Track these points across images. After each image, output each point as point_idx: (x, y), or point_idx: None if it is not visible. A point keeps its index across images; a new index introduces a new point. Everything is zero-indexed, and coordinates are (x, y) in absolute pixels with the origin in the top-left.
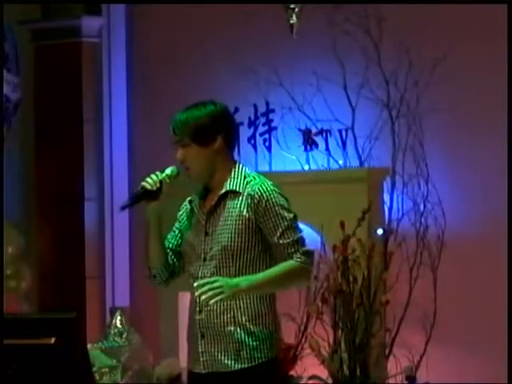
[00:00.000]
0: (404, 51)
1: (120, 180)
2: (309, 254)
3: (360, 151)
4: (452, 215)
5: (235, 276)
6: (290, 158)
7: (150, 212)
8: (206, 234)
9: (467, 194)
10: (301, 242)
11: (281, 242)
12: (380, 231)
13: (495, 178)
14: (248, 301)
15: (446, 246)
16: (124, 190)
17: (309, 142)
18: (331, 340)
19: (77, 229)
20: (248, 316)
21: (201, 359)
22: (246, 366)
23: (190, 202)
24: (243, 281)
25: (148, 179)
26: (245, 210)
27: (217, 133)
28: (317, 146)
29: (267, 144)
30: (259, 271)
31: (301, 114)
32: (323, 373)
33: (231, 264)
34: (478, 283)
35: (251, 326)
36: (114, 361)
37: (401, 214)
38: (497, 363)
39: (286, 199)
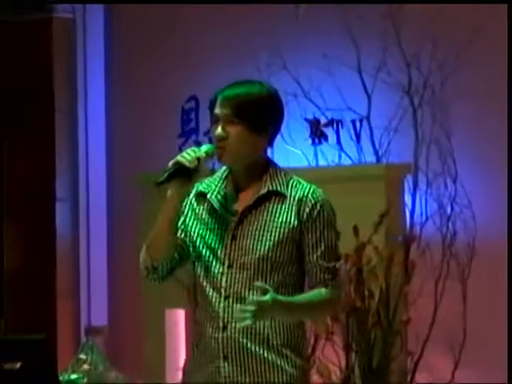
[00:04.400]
0: (428, 30)
1: (97, 178)
2: (341, 287)
3: (377, 145)
4: (483, 219)
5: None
6: (294, 152)
7: (179, 193)
8: (234, 237)
9: (500, 194)
10: (338, 270)
11: (319, 262)
12: (400, 238)
13: None
14: (281, 321)
15: (477, 255)
16: (102, 189)
17: (317, 135)
18: (343, 364)
19: (47, 234)
20: (281, 339)
21: None
22: None
23: (202, 193)
24: (276, 302)
25: (185, 155)
26: (293, 217)
27: (270, 120)
28: (326, 138)
29: None
30: (298, 287)
31: (308, 101)
32: None
33: (269, 277)
34: None
35: (286, 351)
36: None
37: (424, 217)
38: None
39: (334, 213)
